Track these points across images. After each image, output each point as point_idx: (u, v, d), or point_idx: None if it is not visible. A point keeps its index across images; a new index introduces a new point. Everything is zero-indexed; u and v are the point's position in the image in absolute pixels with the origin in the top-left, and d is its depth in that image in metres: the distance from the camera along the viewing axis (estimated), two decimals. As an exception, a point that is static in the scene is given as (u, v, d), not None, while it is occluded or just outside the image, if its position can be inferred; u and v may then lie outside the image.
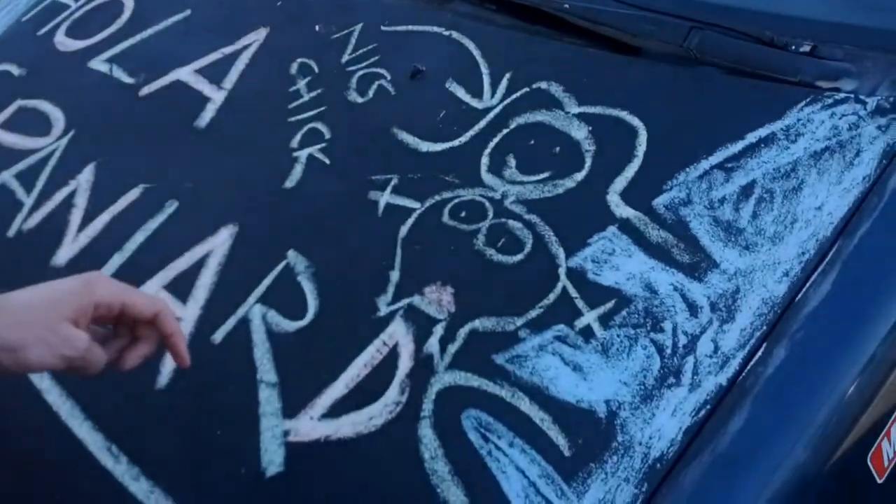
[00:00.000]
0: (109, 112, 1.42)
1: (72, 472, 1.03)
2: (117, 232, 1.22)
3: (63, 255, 1.22)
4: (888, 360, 0.94)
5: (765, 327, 0.95)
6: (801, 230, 1.00)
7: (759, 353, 0.93)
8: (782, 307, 0.96)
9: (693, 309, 0.97)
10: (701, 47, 1.18)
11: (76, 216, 1.27)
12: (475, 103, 1.22)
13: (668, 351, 0.94)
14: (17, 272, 1.23)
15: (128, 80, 1.45)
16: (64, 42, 1.59)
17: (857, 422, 0.92)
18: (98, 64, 1.50)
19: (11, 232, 1.28)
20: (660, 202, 1.05)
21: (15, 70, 1.57)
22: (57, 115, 1.43)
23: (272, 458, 0.96)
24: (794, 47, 1.15)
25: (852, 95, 1.09)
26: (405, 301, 1.04)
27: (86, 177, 1.32)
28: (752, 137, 1.08)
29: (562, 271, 1.02)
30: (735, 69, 1.15)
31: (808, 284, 0.97)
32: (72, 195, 1.30)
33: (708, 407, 0.91)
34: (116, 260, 1.19)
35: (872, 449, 0.94)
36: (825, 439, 0.91)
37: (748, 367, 0.92)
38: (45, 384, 1.09)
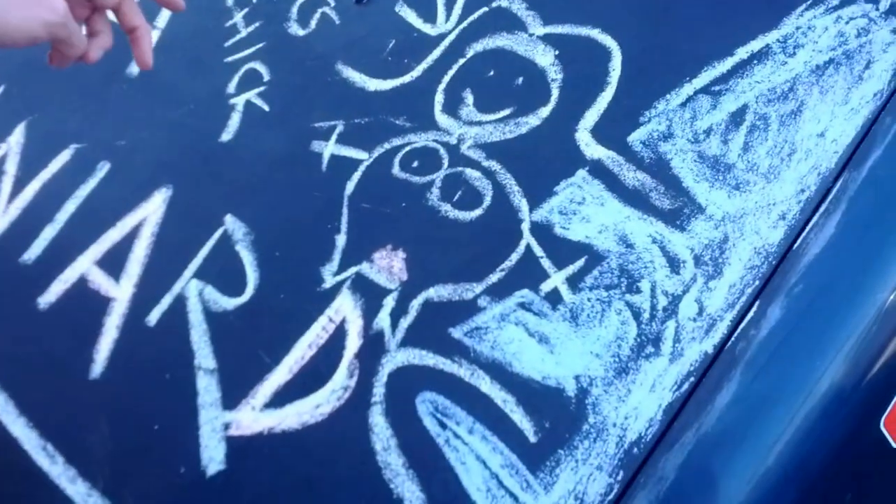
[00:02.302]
0: (38, 62, 1.28)
1: (7, 474, 0.95)
2: (48, 201, 1.12)
3: (-7, 230, 1.12)
4: (902, 312, 0.81)
5: (757, 282, 0.82)
6: (801, 163, 0.86)
7: (751, 314, 0.81)
8: (778, 257, 0.82)
9: (674, 264, 0.84)
10: (684, -55, 1.01)
11: (6, 184, 1.16)
12: (427, 29, 1.07)
13: (646, 315, 0.82)
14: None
15: (57, 23, 1.31)
16: (-7, -17, 1.45)
17: (868, 384, 0.80)
18: (27, 6, 1.36)
19: (-59, 205, 1.18)
20: (636, 138, 0.91)
21: (-56, 18, 1.44)
22: (-15, 69, 1.31)
23: (212, 455, 0.87)
24: (793, -63, 0.97)
25: (862, -7, 0.92)
26: (353, 270, 0.92)
27: (16, 139, 1.20)
28: (742, 53, 0.93)
29: (525, 227, 0.90)
30: (724, -30, 0.99)
31: (808, 228, 0.83)
32: (2, 160, 1.19)
33: (692, 379, 0.79)
34: (48, 232, 1.08)
35: (886, 413, 0.82)
36: (830, 408, 0.79)
37: (738, 331, 0.80)
38: (-22, 377, 1.01)
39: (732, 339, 0.80)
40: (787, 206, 0.84)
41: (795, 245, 0.82)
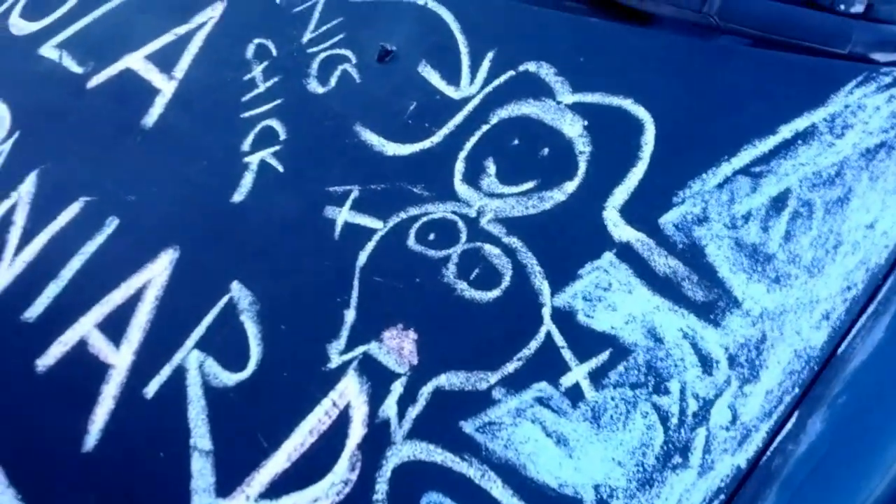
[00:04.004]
0: (56, 109, 1.25)
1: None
2: (54, 256, 1.07)
3: (-3, 284, 1.08)
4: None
5: (797, 390, 0.75)
6: (847, 256, 0.79)
7: (790, 425, 0.74)
8: (820, 362, 0.75)
9: (707, 364, 0.77)
10: (724, 11, 0.94)
11: (14, 236, 1.12)
12: (451, 92, 1.02)
13: (674, 420, 0.76)
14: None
15: (77, 69, 1.28)
16: (17, 24, 1.42)
17: (917, 508, 0.73)
18: (48, 50, 1.34)
19: (-52, 254, 1.15)
20: (669, 220, 0.85)
21: (-33, 58, 1.42)
22: (3, 114, 1.28)
23: (203, 547, 0.82)
24: (842, 6, 0.91)
25: (918, 72, 0.86)
26: (360, 349, 0.87)
27: (27, 188, 1.17)
28: (786, 131, 0.86)
29: (546, 312, 0.83)
30: (766, 39, 0.92)
31: (854, 331, 0.76)
32: (11, 210, 1.15)
33: (722, 497, 0.72)
34: (52, 290, 1.04)
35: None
36: (874, 534, 0.72)
37: (775, 444, 0.73)
38: (-29, 441, 0.97)
39: (768, 453, 0.73)
40: (832, 305, 0.77)
41: (840, 350, 0.76)
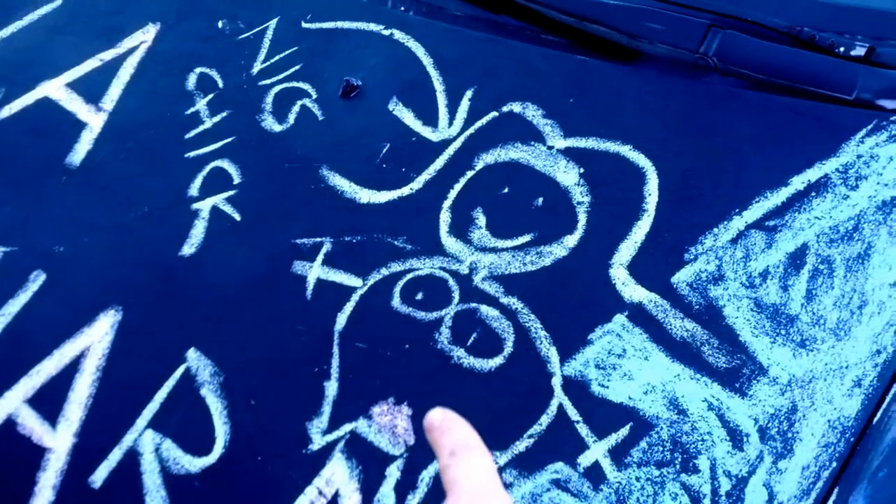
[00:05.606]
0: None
1: None
2: (-33, 317, 0.93)
3: None
4: None
5: (835, 464, 0.70)
6: (873, 317, 0.75)
7: (830, 503, 0.69)
8: (856, 433, 0.71)
9: (736, 437, 0.72)
10: (722, 52, 0.90)
11: (-85, 293, 0.97)
12: (428, 133, 0.93)
13: (707, 502, 0.69)
14: None
15: (-17, 96, 1.13)
16: None
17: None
18: (-54, 73, 1.18)
19: None
20: (681, 279, 0.79)
21: None
22: None
23: None
24: (842, 49, 0.87)
25: (928, 120, 0.83)
26: (347, 428, 0.77)
27: (-72, 235, 1.01)
28: (798, 182, 0.82)
29: (556, 382, 0.76)
30: (768, 83, 0.88)
31: (888, 398, 0.72)
32: None
33: (766, 586, 0.66)
34: (-34, 359, 0.90)
35: None
36: None
37: (816, 525, 0.68)
38: None
39: (811, 535, 0.68)
40: (863, 371, 0.73)
41: (875, 419, 0.71)
